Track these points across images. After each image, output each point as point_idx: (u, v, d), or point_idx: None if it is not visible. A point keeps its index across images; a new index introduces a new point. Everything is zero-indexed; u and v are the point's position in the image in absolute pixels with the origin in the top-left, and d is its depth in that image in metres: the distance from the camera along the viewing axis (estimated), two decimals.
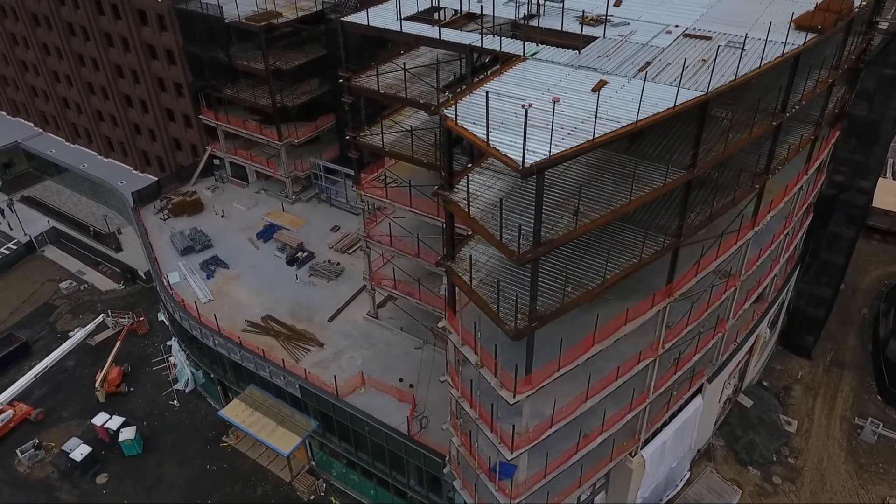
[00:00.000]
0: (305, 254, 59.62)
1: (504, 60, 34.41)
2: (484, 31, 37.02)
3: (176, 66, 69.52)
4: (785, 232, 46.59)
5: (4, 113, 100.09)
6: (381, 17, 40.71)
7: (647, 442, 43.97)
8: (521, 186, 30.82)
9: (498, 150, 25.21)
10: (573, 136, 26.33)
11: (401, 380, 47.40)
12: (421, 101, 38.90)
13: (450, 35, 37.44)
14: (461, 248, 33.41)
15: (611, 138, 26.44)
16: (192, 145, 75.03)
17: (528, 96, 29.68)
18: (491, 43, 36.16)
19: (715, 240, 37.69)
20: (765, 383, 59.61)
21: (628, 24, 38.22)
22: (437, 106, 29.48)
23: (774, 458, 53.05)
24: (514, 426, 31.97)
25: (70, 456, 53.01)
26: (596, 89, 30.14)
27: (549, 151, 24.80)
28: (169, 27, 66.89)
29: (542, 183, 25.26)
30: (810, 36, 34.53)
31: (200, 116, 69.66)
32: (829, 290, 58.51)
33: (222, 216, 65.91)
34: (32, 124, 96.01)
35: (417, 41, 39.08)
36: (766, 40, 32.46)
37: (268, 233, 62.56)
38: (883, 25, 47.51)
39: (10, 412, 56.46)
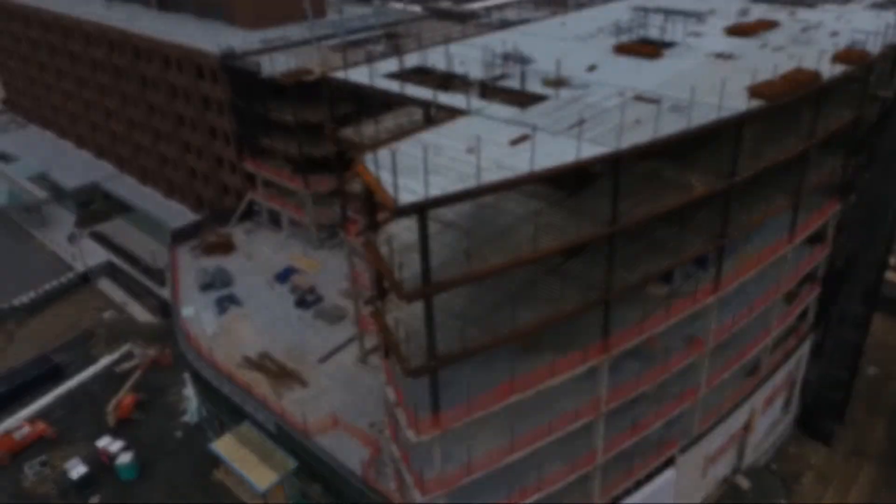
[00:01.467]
0: (314, 297, 61.70)
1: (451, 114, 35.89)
2: (443, 88, 38.69)
3: (224, 116, 74.58)
4: (770, 302, 45.08)
5: (91, 155, 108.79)
6: (365, 76, 42.99)
7: None
8: (441, 231, 31.78)
9: (383, 190, 26.43)
10: (465, 182, 27.26)
11: (372, 424, 47.98)
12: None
13: (411, 91, 39.21)
14: None
15: (495, 185, 27.20)
16: (237, 191, 79.54)
17: (448, 146, 30.84)
18: (446, 99, 37.78)
19: (664, 300, 37.21)
20: (773, 466, 56.63)
21: (588, 86, 39.01)
22: (355, 151, 31.05)
23: None
24: (421, 469, 32.18)
25: (68, 475, 55.91)
26: (515, 142, 31.05)
27: (427, 193, 25.81)
28: (219, 81, 72.15)
29: (424, 222, 26.24)
30: (756, 103, 34.37)
31: (243, 163, 74.07)
32: (846, 371, 55.63)
33: (249, 257, 69.18)
34: (112, 165, 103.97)
35: (385, 96, 41.05)
36: (689, 104, 32.67)
37: (284, 275, 65.18)
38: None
39: (26, 429, 60.21)
